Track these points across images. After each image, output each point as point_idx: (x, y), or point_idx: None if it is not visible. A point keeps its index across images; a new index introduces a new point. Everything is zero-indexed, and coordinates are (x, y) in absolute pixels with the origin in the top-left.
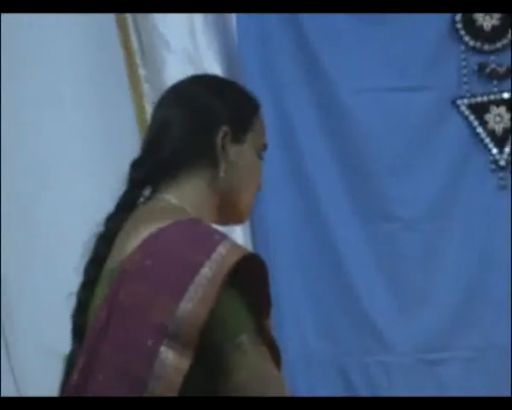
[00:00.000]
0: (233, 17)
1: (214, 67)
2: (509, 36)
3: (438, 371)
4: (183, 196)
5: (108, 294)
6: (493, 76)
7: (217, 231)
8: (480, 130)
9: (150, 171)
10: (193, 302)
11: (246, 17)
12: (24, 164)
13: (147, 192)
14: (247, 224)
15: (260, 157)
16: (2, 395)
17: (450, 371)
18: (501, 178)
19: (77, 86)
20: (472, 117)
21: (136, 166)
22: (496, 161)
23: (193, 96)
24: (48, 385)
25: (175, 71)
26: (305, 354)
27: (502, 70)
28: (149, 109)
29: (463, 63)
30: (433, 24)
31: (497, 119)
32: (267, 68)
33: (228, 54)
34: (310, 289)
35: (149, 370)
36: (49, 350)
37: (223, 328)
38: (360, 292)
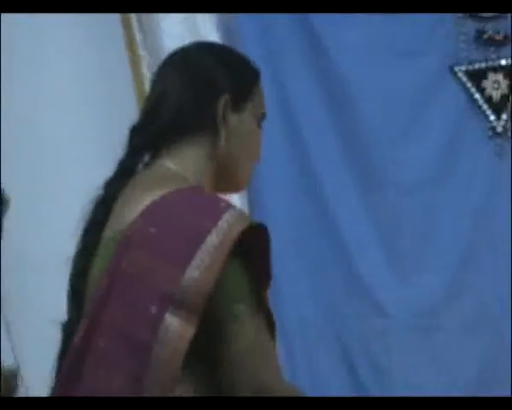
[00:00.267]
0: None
1: None
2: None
3: (433, 336)
4: (183, 164)
5: (110, 261)
6: (491, 43)
7: (221, 199)
8: (477, 96)
9: (150, 137)
10: (199, 270)
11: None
12: (25, 131)
13: (146, 158)
14: (244, 193)
15: (259, 126)
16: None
17: (445, 337)
18: (498, 145)
19: (76, 58)
20: (469, 84)
21: (135, 131)
22: (493, 128)
23: (194, 62)
24: (48, 358)
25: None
26: (302, 322)
27: (499, 37)
28: (148, 75)
29: (461, 30)
30: None
31: (495, 85)
32: (265, 38)
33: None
34: (307, 257)
35: (154, 336)
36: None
37: (222, 297)
38: (357, 259)
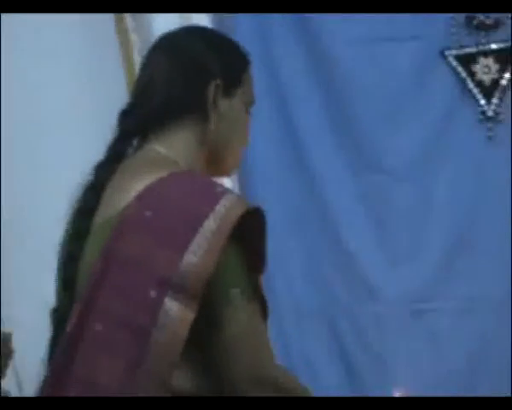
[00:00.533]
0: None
1: None
2: None
3: (427, 321)
4: (173, 148)
5: (105, 245)
6: (481, 27)
7: (217, 183)
8: (467, 81)
9: (139, 121)
10: (198, 255)
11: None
12: (22, 114)
13: (135, 142)
14: (234, 177)
15: (248, 112)
16: None
17: (439, 321)
18: (489, 129)
19: (69, 41)
20: (460, 68)
21: (125, 115)
22: (484, 112)
23: (184, 46)
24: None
25: None
26: (295, 305)
27: (489, 21)
28: (138, 59)
29: (451, 15)
30: None
31: (485, 70)
32: (257, 22)
33: None
34: (299, 240)
35: (153, 320)
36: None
37: (217, 281)
38: (349, 242)
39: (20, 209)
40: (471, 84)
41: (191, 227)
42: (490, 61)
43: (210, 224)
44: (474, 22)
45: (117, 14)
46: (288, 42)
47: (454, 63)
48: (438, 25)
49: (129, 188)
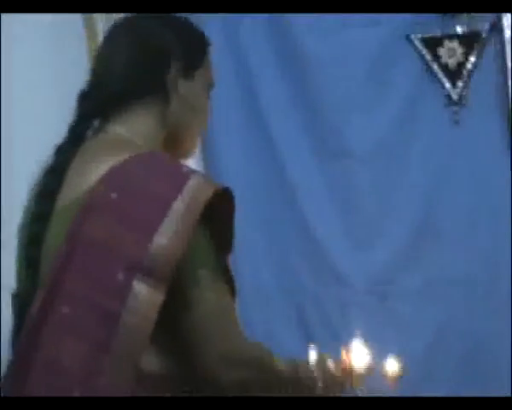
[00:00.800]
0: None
1: None
2: None
3: (391, 303)
4: (134, 130)
5: (69, 228)
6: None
7: (183, 164)
8: (433, 64)
9: (99, 102)
10: (167, 237)
11: None
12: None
13: (95, 124)
14: (200, 161)
15: (208, 96)
16: None
17: (403, 304)
18: (454, 113)
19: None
20: (425, 51)
21: (84, 97)
22: (449, 96)
23: (145, 28)
24: None
25: None
26: (260, 288)
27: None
28: None
29: None
30: None
31: (450, 53)
32: None
33: None
34: (264, 223)
35: (122, 304)
36: None
37: (186, 262)
38: (314, 226)
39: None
40: (436, 68)
41: (159, 209)
42: (455, 44)
43: (179, 206)
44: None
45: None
46: (256, 29)
47: (419, 46)
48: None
49: (91, 170)
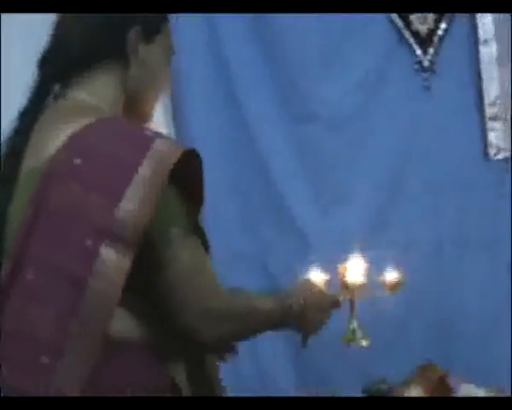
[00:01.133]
0: None
1: None
2: None
3: None
4: (96, 94)
5: (33, 194)
6: None
7: (147, 128)
8: (404, 31)
9: (59, 66)
10: (134, 203)
11: None
12: None
13: (57, 89)
14: (171, 130)
15: (168, 61)
16: None
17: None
18: (425, 79)
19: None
20: (396, 17)
21: (44, 61)
22: (420, 62)
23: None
24: None
25: None
26: (230, 253)
27: None
28: None
29: None
30: None
31: (422, 19)
32: None
33: None
34: (234, 188)
35: (89, 269)
36: None
37: (156, 222)
38: (284, 193)
39: None
40: (407, 34)
41: (125, 174)
42: None
43: (144, 170)
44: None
45: None
46: None
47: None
48: None
49: (54, 136)
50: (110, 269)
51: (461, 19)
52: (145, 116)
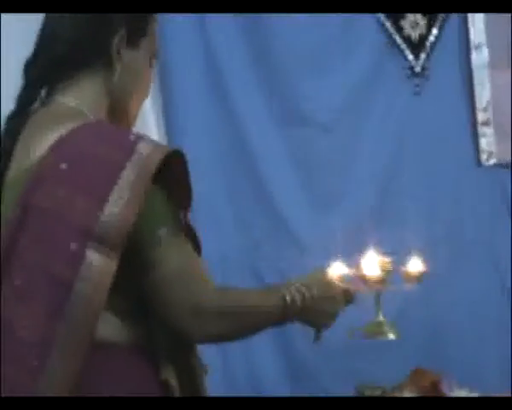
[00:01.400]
0: None
1: None
2: None
3: None
4: (80, 99)
5: (20, 197)
6: None
7: (130, 131)
8: (395, 36)
9: (44, 70)
10: (118, 205)
11: None
12: None
13: (43, 93)
14: (163, 137)
15: (151, 65)
16: None
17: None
18: (416, 85)
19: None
20: (388, 23)
21: (29, 65)
22: (411, 68)
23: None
24: None
25: None
26: (221, 256)
27: None
28: None
29: None
30: None
31: (413, 25)
32: None
33: None
34: (226, 192)
35: (74, 272)
36: None
37: (144, 224)
38: (276, 196)
39: None
40: (399, 40)
41: (109, 178)
42: (418, 16)
43: (128, 174)
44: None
45: None
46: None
47: (382, 18)
48: None
49: (40, 140)
50: (95, 272)
51: (452, 24)
52: (129, 120)
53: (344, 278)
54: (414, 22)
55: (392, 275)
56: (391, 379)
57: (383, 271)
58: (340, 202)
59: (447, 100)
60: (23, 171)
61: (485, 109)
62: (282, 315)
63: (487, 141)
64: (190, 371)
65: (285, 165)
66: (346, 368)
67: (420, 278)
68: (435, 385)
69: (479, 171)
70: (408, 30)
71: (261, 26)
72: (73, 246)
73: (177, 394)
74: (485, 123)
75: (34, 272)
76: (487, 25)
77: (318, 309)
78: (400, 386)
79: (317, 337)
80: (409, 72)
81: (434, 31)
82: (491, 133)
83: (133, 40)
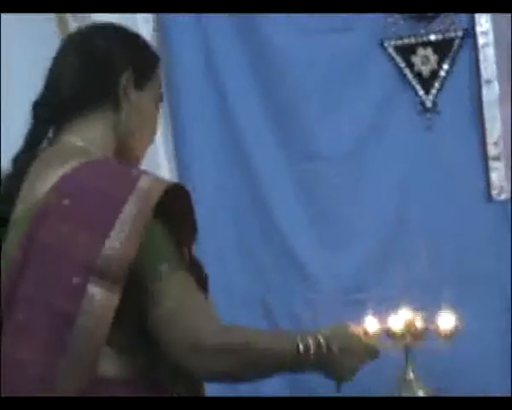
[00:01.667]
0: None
1: None
2: None
3: (361, 309)
4: (87, 139)
5: (23, 237)
6: (420, 18)
7: (132, 166)
8: (406, 71)
9: (51, 110)
10: (120, 240)
11: None
12: None
13: (50, 133)
14: (173, 167)
15: (157, 108)
16: None
17: (372, 309)
18: (427, 120)
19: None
20: (399, 59)
21: (37, 106)
22: (422, 103)
23: (94, 43)
24: None
25: None
26: (230, 292)
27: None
28: None
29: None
30: None
31: (424, 60)
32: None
33: None
34: (234, 226)
35: (77, 306)
36: None
37: (145, 259)
38: (285, 230)
39: None
40: (410, 75)
41: (110, 213)
42: (428, 51)
43: (130, 208)
44: (413, 13)
45: (60, 18)
46: (229, 33)
47: (393, 54)
48: (376, 15)
49: (45, 179)
50: (97, 306)
51: (463, 59)
52: (135, 160)
53: (370, 333)
54: (425, 57)
55: (423, 331)
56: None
57: (413, 327)
58: (349, 236)
59: (458, 135)
60: (27, 210)
61: (496, 144)
62: (295, 362)
63: (498, 176)
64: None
65: (294, 200)
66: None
67: (451, 334)
68: None
69: (489, 206)
70: (419, 65)
71: (271, 61)
72: (76, 280)
73: None
74: (497, 158)
75: (37, 306)
76: (497, 60)
77: (337, 362)
78: None
79: (338, 388)
80: (420, 107)
81: (445, 66)
82: (502, 168)
83: (139, 82)
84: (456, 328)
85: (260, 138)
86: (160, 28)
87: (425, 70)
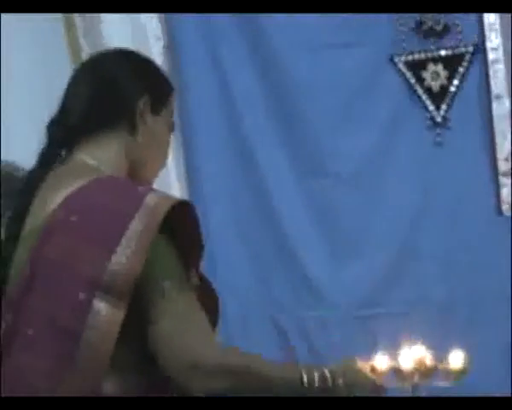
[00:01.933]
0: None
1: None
2: None
3: (372, 325)
4: (100, 158)
5: (32, 250)
6: (430, 33)
7: (140, 183)
8: (416, 87)
9: (65, 130)
10: (126, 255)
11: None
12: None
13: (63, 152)
14: (183, 185)
15: (170, 135)
16: None
17: (383, 325)
18: (437, 135)
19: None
20: (409, 74)
21: (52, 125)
22: (432, 118)
23: (111, 67)
24: None
25: None
26: (241, 310)
27: (439, 27)
28: None
29: (400, 20)
30: None
31: (434, 76)
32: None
33: None
34: (245, 244)
35: (82, 321)
36: None
37: (149, 276)
38: (296, 248)
39: None
40: (420, 90)
41: (117, 229)
42: (439, 67)
43: (137, 224)
44: (424, 28)
45: (66, 20)
46: (239, 52)
47: (403, 69)
48: (386, 31)
49: (55, 195)
50: (103, 322)
51: (473, 74)
52: (148, 181)
53: (378, 370)
54: (435, 73)
55: (433, 370)
56: None
57: (423, 366)
58: (360, 252)
59: (468, 150)
60: (35, 226)
61: (506, 159)
62: (298, 393)
63: (509, 191)
64: None
65: (305, 217)
66: None
67: (460, 375)
68: None
69: (500, 221)
70: (429, 81)
71: (282, 77)
72: (82, 296)
73: None
74: (507, 173)
75: (44, 323)
76: (507, 75)
77: (342, 396)
78: None
79: None
80: (430, 122)
81: (455, 81)
82: None
83: (155, 107)
84: (466, 368)
85: (271, 156)
86: (170, 45)
87: (435, 85)
